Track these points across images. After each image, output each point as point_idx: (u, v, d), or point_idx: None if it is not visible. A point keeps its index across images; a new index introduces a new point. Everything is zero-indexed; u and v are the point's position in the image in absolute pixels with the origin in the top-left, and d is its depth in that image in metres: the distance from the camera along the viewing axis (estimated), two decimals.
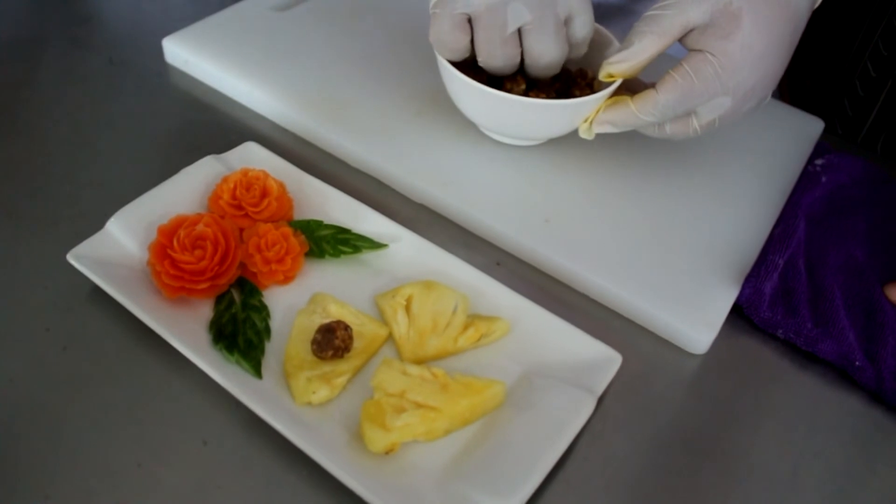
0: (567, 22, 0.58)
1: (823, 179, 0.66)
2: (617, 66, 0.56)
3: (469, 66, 0.65)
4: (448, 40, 0.58)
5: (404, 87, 0.70)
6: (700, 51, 0.54)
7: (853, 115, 0.87)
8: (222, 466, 0.46)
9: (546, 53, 0.57)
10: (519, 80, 0.62)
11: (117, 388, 0.48)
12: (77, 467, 0.45)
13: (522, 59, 0.59)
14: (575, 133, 0.65)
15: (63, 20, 0.78)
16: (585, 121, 0.59)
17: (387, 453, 0.45)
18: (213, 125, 0.68)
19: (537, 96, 0.61)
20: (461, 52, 0.59)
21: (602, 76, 0.57)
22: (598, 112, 0.59)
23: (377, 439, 0.44)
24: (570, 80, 0.64)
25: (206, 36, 0.73)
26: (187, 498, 0.44)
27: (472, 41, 0.58)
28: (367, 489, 0.42)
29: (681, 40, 0.56)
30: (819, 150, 0.71)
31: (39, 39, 0.75)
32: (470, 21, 0.57)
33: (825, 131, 0.73)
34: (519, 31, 0.57)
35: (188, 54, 0.72)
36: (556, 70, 0.60)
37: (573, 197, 0.62)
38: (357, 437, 0.46)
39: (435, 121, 0.67)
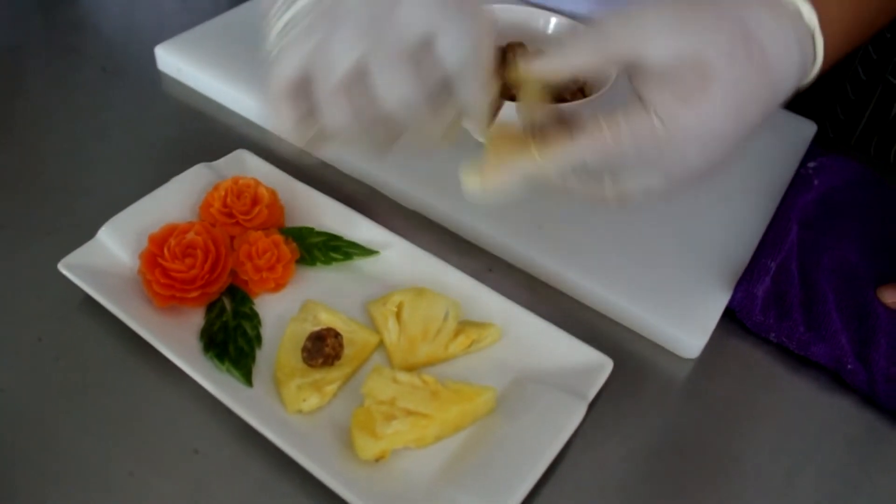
0: (427, 45, 0.41)
1: (816, 182, 0.66)
2: (532, 66, 0.43)
3: None
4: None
5: None
6: (647, 102, 0.41)
7: (845, 119, 0.87)
8: (214, 475, 0.45)
9: (391, 92, 0.40)
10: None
11: (109, 397, 0.48)
12: (69, 476, 0.45)
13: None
14: None
15: (56, 28, 0.78)
16: (473, 172, 0.45)
17: (377, 461, 0.45)
18: (205, 133, 0.68)
19: None
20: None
21: (513, 75, 0.45)
22: (491, 160, 0.45)
23: (367, 447, 0.44)
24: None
25: (198, 44, 0.73)
26: None
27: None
28: (358, 497, 0.42)
29: (629, 74, 0.43)
30: (812, 152, 0.70)
31: (32, 47, 0.75)
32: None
33: (817, 135, 0.73)
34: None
35: (181, 62, 0.72)
36: (416, 113, 0.42)
37: (565, 203, 0.62)
38: (348, 444, 0.46)
39: None
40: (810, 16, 0.43)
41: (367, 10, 0.39)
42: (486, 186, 0.45)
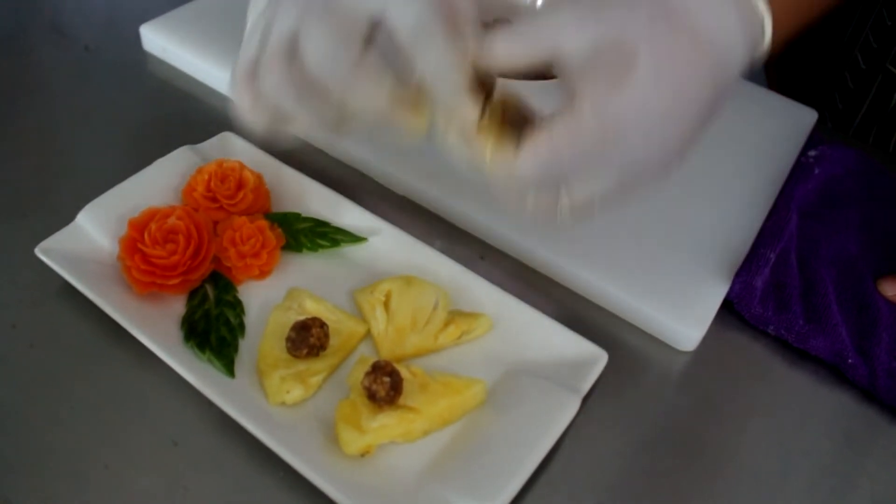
0: (374, 19, 0.39)
1: (816, 171, 0.65)
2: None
3: None
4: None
5: None
6: (576, 100, 0.38)
7: (843, 109, 0.86)
8: (193, 468, 0.44)
9: (315, 51, 0.39)
10: None
11: (85, 386, 0.47)
12: (41, 469, 0.43)
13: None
14: None
15: (39, 6, 0.77)
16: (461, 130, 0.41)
17: (362, 455, 0.43)
18: (191, 115, 0.67)
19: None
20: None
21: None
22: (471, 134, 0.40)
23: (352, 441, 0.43)
24: None
25: (184, 23, 0.72)
26: (156, 501, 0.43)
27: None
28: (342, 493, 0.41)
29: (556, 72, 0.39)
30: (812, 140, 0.69)
31: (13, 24, 0.74)
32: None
33: (815, 125, 0.71)
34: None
35: (166, 42, 0.70)
36: (347, 77, 0.39)
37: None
38: (332, 438, 0.44)
39: None
40: None
41: None
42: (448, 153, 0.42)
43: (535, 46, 0.39)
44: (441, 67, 0.37)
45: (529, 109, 0.42)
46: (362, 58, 0.38)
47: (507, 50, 0.39)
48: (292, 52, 0.39)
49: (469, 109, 0.39)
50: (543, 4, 0.67)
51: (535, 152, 0.38)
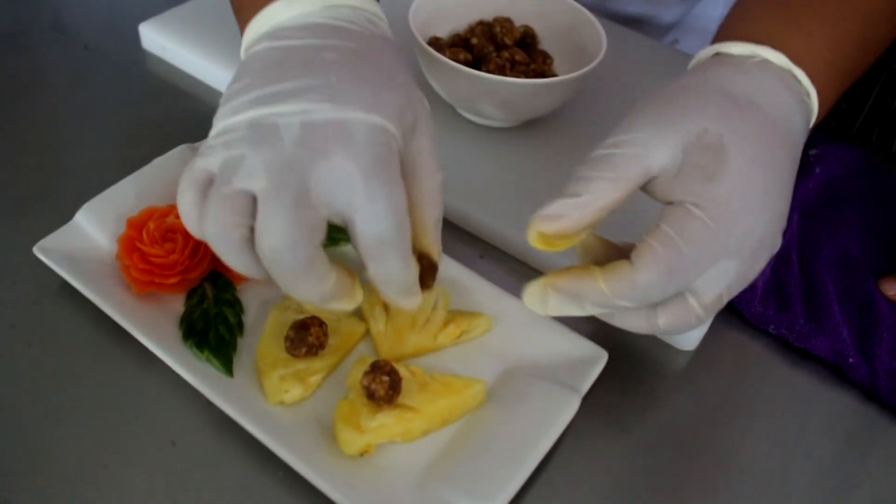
0: (340, 215, 0.38)
1: (817, 170, 0.64)
2: (551, 224, 0.40)
3: (447, 45, 0.64)
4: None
5: None
6: (679, 202, 0.40)
7: (847, 108, 0.85)
8: (192, 468, 0.44)
9: (266, 237, 0.37)
10: (503, 54, 0.61)
11: (84, 386, 0.47)
12: (39, 469, 0.43)
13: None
14: (562, 119, 0.64)
15: (38, 4, 0.76)
16: (537, 283, 0.43)
17: (361, 455, 0.43)
18: (190, 113, 0.67)
19: (516, 76, 0.60)
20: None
21: (531, 238, 0.41)
22: (555, 277, 0.42)
23: (351, 441, 0.42)
24: (550, 58, 0.64)
25: (184, 22, 0.71)
26: (155, 501, 0.43)
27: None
28: (341, 493, 0.41)
29: (648, 191, 0.42)
30: (814, 139, 0.69)
31: (13, 23, 0.73)
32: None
33: (818, 125, 0.71)
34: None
35: (165, 40, 0.70)
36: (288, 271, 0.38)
37: (559, 186, 0.60)
38: (332, 437, 0.44)
39: None
40: (777, 57, 0.44)
41: (289, 155, 0.37)
42: (549, 313, 0.43)
43: (626, 181, 0.40)
44: (393, 276, 0.40)
45: (616, 244, 0.45)
46: (314, 256, 0.38)
47: (602, 197, 0.40)
48: (246, 212, 0.37)
49: (414, 305, 0.42)
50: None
51: (652, 257, 0.39)
